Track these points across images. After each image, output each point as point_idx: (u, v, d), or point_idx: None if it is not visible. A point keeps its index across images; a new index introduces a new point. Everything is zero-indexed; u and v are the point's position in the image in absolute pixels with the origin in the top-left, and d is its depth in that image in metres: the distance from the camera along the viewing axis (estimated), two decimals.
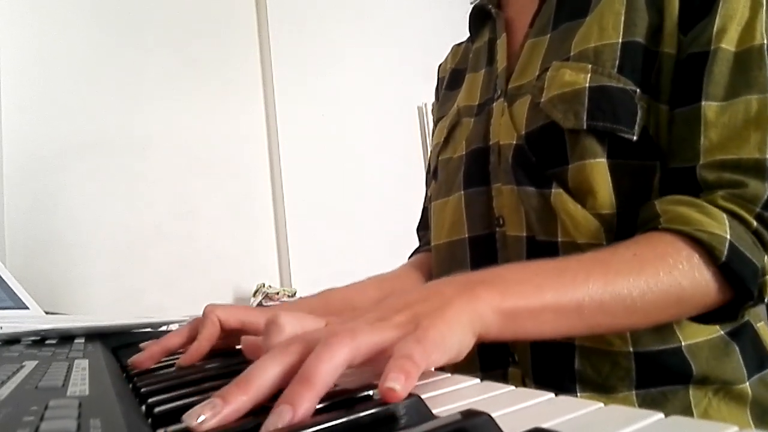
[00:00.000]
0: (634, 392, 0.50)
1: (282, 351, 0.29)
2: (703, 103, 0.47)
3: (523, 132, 0.55)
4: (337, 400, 0.27)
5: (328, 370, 0.26)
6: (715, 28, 0.47)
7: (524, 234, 0.55)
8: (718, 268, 0.42)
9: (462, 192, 0.62)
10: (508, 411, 0.26)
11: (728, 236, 0.42)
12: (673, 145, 0.49)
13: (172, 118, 1.79)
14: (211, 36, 1.91)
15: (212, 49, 1.91)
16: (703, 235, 0.42)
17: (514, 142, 0.55)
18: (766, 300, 0.45)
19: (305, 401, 0.24)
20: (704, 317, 0.45)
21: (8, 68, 1.55)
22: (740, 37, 0.47)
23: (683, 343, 0.49)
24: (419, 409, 0.25)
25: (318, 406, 0.26)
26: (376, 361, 0.30)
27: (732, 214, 0.44)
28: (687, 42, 0.49)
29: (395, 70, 2.20)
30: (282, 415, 0.24)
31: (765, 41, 0.46)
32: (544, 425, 0.22)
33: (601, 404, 0.25)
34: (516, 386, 0.30)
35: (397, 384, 0.24)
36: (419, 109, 2.26)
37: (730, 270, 0.41)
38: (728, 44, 0.47)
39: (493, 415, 0.22)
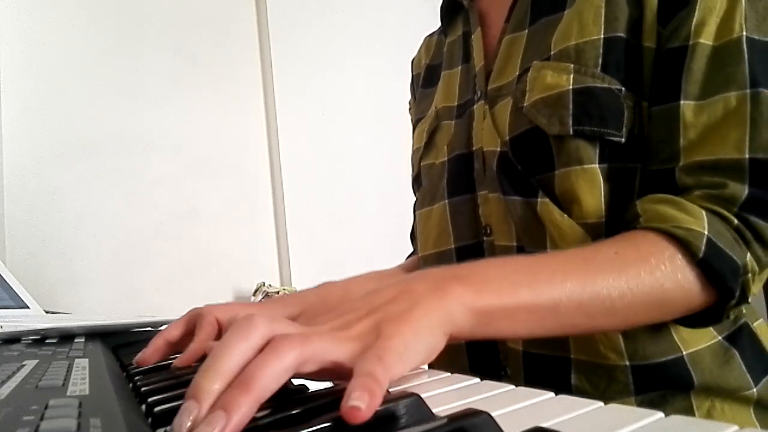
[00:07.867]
0: (633, 398, 0.48)
1: (246, 328, 0.27)
2: (681, 102, 0.45)
3: (507, 138, 0.53)
4: (338, 399, 0.27)
5: (270, 374, 0.25)
6: (694, 22, 0.45)
7: (514, 244, 0.53)
8: (698, 266, 0.40)
9: (446, 201, 0.60)
10: (508, 410, 0.26)
11: (706, 232, 0.40)
12: (651, 145, 0.48)
13: (172, 118, 1.79)
14: (211, 36, 1.91)
15: (212, 49, 1.90)
16: (679, 231, 0.40)
17: (498, 149, 0.53)
18: (749, 299, 0.43)
19: (241, 406, 0.23)
20: (689, 320, 0.44)
21: (8, 68, 1.55)
22: (718, 31, 0.45)
23: (685, 352, 0.48)
24: (419, 409, 0.25)
25: (317, 405, 0.26)
26: (335, 374, 0.29)
27: (711, 212, 0.42)
28: (665, 35, 0.47)
29: (395, 69, 2.19)
30: (213, 422, 0.22)
31: (744, 33, 0.44)
32: (544, 425, 0.22)
33: (601, 404, 0.25)
34: None
35: (362, 402, 0.23)
36: None
37: (709, 267, 0.40)
38: (706, 39, 0.45)
39: (493, 414, 0.22)
